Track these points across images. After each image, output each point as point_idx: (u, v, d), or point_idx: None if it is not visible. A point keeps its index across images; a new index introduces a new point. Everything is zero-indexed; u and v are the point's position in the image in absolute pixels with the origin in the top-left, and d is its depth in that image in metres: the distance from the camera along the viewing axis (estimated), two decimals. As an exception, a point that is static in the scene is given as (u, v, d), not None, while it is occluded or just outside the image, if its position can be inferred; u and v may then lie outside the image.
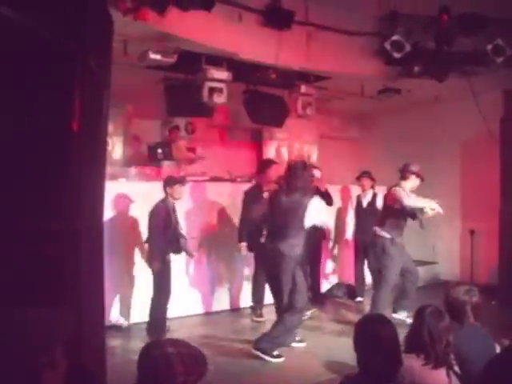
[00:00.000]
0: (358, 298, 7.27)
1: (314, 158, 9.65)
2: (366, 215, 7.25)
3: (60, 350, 1.61)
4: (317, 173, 6.88)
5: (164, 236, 5.33)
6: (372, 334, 2.42)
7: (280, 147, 9.55)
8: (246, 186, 6.32)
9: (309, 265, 6.53)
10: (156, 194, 5.50)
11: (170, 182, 5.57)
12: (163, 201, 5.46)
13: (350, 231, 7.90)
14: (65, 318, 1.73)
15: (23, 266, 2.19)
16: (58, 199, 2.39)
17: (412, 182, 5.61)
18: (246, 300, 6.67)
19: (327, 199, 7.10)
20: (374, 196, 7.30)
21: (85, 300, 2.54)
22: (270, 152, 9.44)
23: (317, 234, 6.56)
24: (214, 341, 5.33)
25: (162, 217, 5.37)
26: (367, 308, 6.20)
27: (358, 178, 7.32)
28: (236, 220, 6.26)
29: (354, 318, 5.78)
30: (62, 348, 1.62)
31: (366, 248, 7.25)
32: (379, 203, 7.28)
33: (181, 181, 5.70)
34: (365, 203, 7.32)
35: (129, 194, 5.86)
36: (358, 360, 2.44)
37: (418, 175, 5.61)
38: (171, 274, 5.45)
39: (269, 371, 4.53)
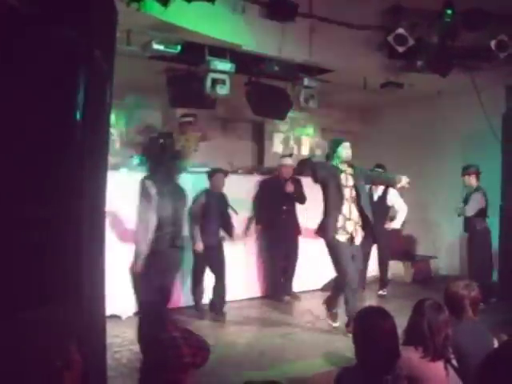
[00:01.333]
0: None
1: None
2: (375, 210, 7.23)
3: (74, 348, 1.63)
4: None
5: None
6: (371, 327, 2.44)
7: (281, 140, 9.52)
8: (248, 178, 6.34)
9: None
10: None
11: (208, 174, 5.96)
12: (206, 190, 5.88)
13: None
14: (74, 315, 1.75)
15: (19, 254, 2.19)
16: (59, 188, 2.39)
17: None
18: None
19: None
20: (386, 190, 7.25)
21: (86, 292, 2.54)
22: (271, 144, 9.43)
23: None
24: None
25: (201, 204, 5.81)
26: (366, 300, 6.21)
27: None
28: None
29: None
30: (75, 345, 1.64)
31: (376, 241, 7.24)
32: (389, 199, 7.23)
33: (218, 172, 6.02)
34: (375, 197, 7.25)
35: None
36: (356, 352, 2.46)
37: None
38: (211, 259, 5.91)
39: (266, 362, 4.55)
